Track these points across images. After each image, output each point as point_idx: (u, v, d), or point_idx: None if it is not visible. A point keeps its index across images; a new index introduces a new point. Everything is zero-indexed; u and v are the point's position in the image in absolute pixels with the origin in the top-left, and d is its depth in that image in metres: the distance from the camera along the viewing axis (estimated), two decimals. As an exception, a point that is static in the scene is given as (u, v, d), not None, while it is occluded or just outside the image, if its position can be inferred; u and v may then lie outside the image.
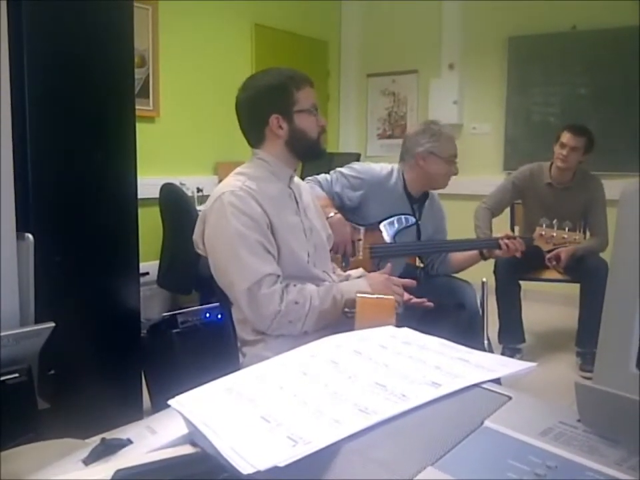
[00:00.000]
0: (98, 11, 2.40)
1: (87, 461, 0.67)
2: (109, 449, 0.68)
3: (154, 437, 0.71)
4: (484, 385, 0.72)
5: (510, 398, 0.70)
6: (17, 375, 1.93)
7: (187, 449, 0.68)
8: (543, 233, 2.46)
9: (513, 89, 5.12)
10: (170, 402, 0.72)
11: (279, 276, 1.66)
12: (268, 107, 1.75)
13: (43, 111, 2.27)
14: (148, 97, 4.07)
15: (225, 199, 1.67)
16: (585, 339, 3.40)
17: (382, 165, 2.56)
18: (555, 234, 2.46)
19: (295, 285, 1.68)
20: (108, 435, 0.74)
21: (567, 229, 2.45)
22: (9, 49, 2.02)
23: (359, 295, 1.84)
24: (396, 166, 2.58)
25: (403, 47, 5.56)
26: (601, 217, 3.52)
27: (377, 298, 1.85)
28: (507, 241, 2.40)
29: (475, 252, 2.51)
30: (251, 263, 1.63)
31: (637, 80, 4.52)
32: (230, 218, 1.65)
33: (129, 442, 0.70)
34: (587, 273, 3.37)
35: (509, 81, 5.13)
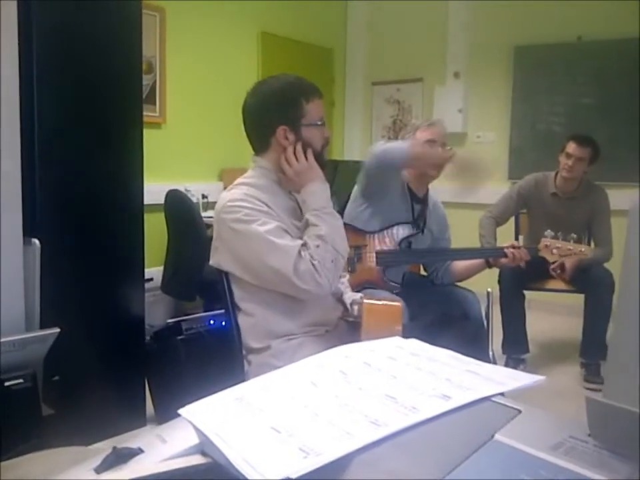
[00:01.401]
0: (107, 18, 2.42)
1: (99, 470, 0.67)
2: (120, 457, 0.68)
3: (164, 446, 0.72)
4: (494, 398, 0.73)
5: (520, 411, 0.70)
6: (21, 380, 1.94)
7: (198, 459, 0.68)
8: (548, 243, 2.46)
9: (518, 98, 5.13)
10: (180, 411, 0.73)
11: (303, 244, 1.67)
12: (277, 117, 1.74)
13: (51, 117, 2.28)
14: (155, 104, 4.09)
15: (232, 206, 1.67)
16: (589, 349, 3.39)
17: None
18: (560, 245, 2.46)
19: (304, 244, 1.67)
20: (117, 443, 0.74)
21: (572, 240, 2.45)
22: (19, 56, 2.04)
23: (365, 301, 1.84)
24: None
25: (408, 55, 5.57)
26: (606, 227, 3.52)
27: (383, 304, 1.85)
28: (512, 250, 2.41)
29: (480, 260, 2.51)
30: (283, 245, 1.63)
31: (641, 90, 4.53)
32: (246, 219, 1.65)
33: (140, 451, 0.70)
34: (591, 283, 3.36)
35: (514, 90, 5.14)
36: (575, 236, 2.48)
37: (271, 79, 1.83)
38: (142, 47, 2.57)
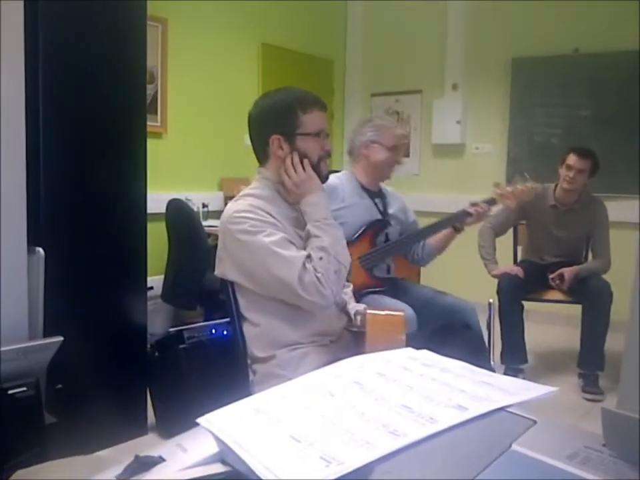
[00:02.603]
0: (112, 28, 2.44)
1: (121, 477, 0.68)
2: (142, 466, 0.69)
3: (185, 454, 0.73)
4: (508, 409, 0.74)
5: (535, 422, 0.72)
6: (24, 388, 1.94)
7: (219, 468, 0.69)
8: (500, 191, 2.66)
9: (515, 109, 5.17)
10: (199, 420, 0.73)
11: (308, 256, 1.68)
12: (270, 126, 1.77)
13: (56, 127, 2.29)
14: (156, 113, 4.11)
15: (237, 217, 1.69)
16: (587, 360, 3.40)
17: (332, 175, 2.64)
18: (511, 188, 2.67)
19: (307, 255, 1.68)
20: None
21: (518, 185, 2.69)
22: (25, 65, 2.06)
23: (368, 311, 1.85)
24: (346, 169, 2.75)
25: (407, 67, 5.61)
26: (604, 239, 3.55)
27: (386, 314, 1.87)
28: (472, 209, 2.56)
29: (449, 230, 2.63)
30: (289, 256, 1.65)
31: (638, 103, 4.57)
32: (251, 230, 1.67)
33: (162, 459, 0.71)
34: (589, 294, 3.38)
35: (511, 102, 5.18)
36: (527, 176, 2.71)
37: (274, 91, 1.86)
38: (146, 57, 2.59)
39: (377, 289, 2.53)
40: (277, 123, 1.76)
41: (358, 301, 2.18)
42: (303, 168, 1.75)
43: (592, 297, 3.37)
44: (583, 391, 3.34)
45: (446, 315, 2.46)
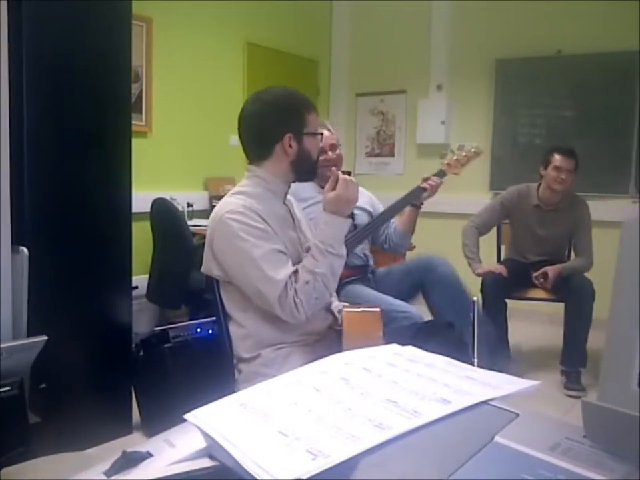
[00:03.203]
0: (97, 26, 2.43)
1: (109, 473, 0.68)
2: (130, 461, 0.69)
3: (173, 450, 0.73)
4: (492, 402, 0.75)
5: (517, 415, 0.73)
6: (8, 388, 1.93)
7: (206, 462, 0.70)
8: (446, 161, 2.79)
9: (499, 110, 5.21)
10: (186, 416, 0.74)
11: (294, 272, 1.68)
12: (283, 124, 1.77)
13: (40, 125, 2.28)
14: (141, 112, 4.09)
15: (230, 218, 1.69)
16: (570, 357, 3.44)
17: None
18: (457, 157, 2.80)
19: (295, 272, 1.69)
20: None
21: (462, 152, 2.82)
22: (8, 64, 2.05)
23: (344, 309, 1.86)
24: None
25: (392, 68, 5.64)
26: (587, 238, 3.59)
27: (362, 311, 1.88)
28: (425, 183, 2.69)
29: (410, 208, 2.73)
30: (273, 275, 1.65)
31: (620, 103, 4.63)
32: (242, 235, 1.66)
33: (149, 455, 0.72)
34: (571, 291, 3.42)
35: (495, 102, 5.22)
36: (473, 144, 2.85)
37: (272, 88, 1.86)
38: (131, 56, 2.58)
39: (355, 277, 2.62)
40: (289, 120, 1.78)
41: (337, 293, 2.20)
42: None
43: (574, 295, 3.40)
44: (565, 387, 3.38)
45: (427, 273, 2.64)
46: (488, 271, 3.55)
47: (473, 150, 2.84)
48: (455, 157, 2.81)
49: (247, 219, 1.68)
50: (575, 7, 4.72)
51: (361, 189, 2.80)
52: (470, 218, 3.77)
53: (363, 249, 2.75)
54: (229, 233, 1.68)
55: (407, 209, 2.75)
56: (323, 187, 2.67)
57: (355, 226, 2.68)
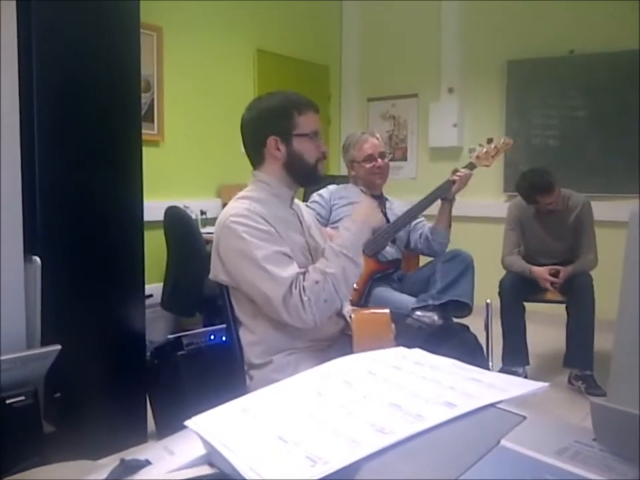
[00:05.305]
0: (106, 37, 2.44)
1: (107, 481, 0.68)
2: (128, 469, 0.68)
3: (172, 457, 0.72)
4: (498, 405, 0.73)
5: (524, 417, 0.71)
6: (22, 397, 1.93)
7: (205, 470, 0.69)
8: (476, 154, 2.80)
9: (511, 112, 5.17)
10: (186, 423, 0.73)
11: (302, 273, 1.66)
12: (267, 128, 1.77)
13: (51, 135, 2.29)
14: (152, 122, 4.11)
15: (234, 222, 1.68)
16: (572, 357, 3.41)
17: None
18: (486, 149, 2.80)
19: (306, 272, 1.66)
20: (125, 456, 0.75)
21: (492, 144, 2.83)
22: (18, 74, 2.06)
23: (353, 311, 1.84)
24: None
25: (403, 72, 5.63)
26: (590, 235, 3.56)
27: (371, 312, 1.86)
28: (455, 176, 2.68)
29: (442, 203, 2.73)
30: (277, 274, 1.62)
31: (633, 103, 4.57)
32: (245, 237, 1.66)
33: (148, 463, 0.71)
34: (573, 289, 3.40)
35: (507, 104, 5.18)
36: (493, 139, 2.86)
37: (267, 95, 1.87)
38: (140, 64, 2.59)
39: (386, 272, 2.63)
40: (274, 123, 1.77)
41: (367, 296, 2.19)
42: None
43: (575, 292, 3.39)
44: (586, 392, 3.32)
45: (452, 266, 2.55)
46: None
47: (503, 141, 2.85)
48: (485, 150, 2.81)
49: (250, 221, 1.67)
50: (586, 7, 4.68)
51: (390, 198, 2.87)
52: (502, 252, 3.72)
53: (394, 253, 2.76)
54: (232, 236, 1.68)
55: (440, 205, 2.74)
56: (364, 192, 2.73)
57: (387, 220, 2.69)
